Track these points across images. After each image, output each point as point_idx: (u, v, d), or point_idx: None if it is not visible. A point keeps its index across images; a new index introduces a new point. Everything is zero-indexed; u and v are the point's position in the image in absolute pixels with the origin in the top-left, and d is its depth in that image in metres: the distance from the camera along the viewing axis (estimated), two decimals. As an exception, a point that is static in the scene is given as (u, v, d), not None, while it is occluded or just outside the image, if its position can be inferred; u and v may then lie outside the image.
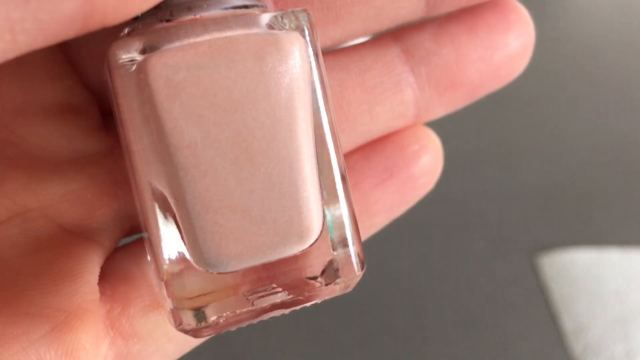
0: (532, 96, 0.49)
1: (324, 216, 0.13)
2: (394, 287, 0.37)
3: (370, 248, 0.42)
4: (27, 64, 0.14)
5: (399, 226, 0.43)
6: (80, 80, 0.15)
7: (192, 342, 0.15)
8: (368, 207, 0.16)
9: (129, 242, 0.15)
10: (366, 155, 0.16)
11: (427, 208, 0.41)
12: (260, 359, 0.33)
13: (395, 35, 0.16)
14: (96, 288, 0.14)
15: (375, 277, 0.37)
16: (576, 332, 0.34)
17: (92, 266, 0.14)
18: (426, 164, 0.17)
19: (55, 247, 0.14)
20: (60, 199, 0.14)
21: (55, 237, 0.14)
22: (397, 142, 0.16)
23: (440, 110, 0.17)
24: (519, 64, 0.17)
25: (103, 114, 0.15)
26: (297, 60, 0.12)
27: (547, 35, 0.55)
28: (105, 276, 0.15)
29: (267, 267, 0.13)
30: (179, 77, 0.11)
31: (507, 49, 0.16)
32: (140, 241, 0.15)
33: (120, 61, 0.12)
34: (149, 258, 0.14)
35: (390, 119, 0.16)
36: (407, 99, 0.16)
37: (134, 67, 0.12)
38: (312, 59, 0.13)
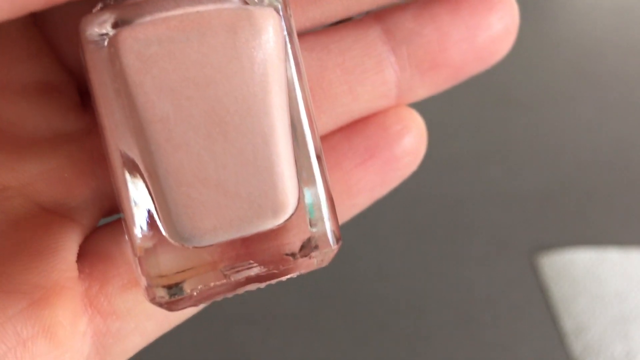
0: (532, 96, 0.49)
1: (302, 194, 0.13)
2: (394, 287, 0.37)
3: (370, 248, 0.42)
4: (3, 42, 0.14)
5: (398, 226, 0.43)
6: (58, 59, 0.15)
7: (172, 321, 0.15)
8: (349, 187, 0.16)
9: (109, 222, 0.15)
10: (347, 135, 0.16)
11: (427, 208, 0.41)
12: (258, 358, 0.33)
13: (377, 15, 0.16)
14: (74, 266, 0.14)
15: (376, 277, 0.37)
16: (576, 332, 0.34)
17: (70, 244, 0.14)
18: (409, 144, 0.16)
19: (33, 225, 0.14)
20: (38, 177, 0.14)
21: (33, 215, 0.14)
22: (379, 122, 0.16)
23: (423, 92, 0.16)
24: (503, 46, 0.16)
25: (81, 93, 0.15)
26: (271, 35, 0.12)
27: (547, 35, 0.55)
28: (84, 255, 0.15)
29: (246, 244, 0.13)
30: (150, 51, 0.11)
31: (490, 30, 0.16)
32: (119, 221, 0.15)
33: (91, 36, 0.12)
34: (126, 237, 0.14)
35: (372, 99, 0.16)
36: (389, 79, 0.16)
37: (105, 42, 0.12)
38: (286, 36, 0.13)
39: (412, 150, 0.16)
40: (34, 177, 0.14)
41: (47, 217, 0.14)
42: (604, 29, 0.56)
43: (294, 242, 0.13)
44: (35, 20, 0.14)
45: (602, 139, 0.46)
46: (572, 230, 0.40)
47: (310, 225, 0.13)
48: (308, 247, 0.13)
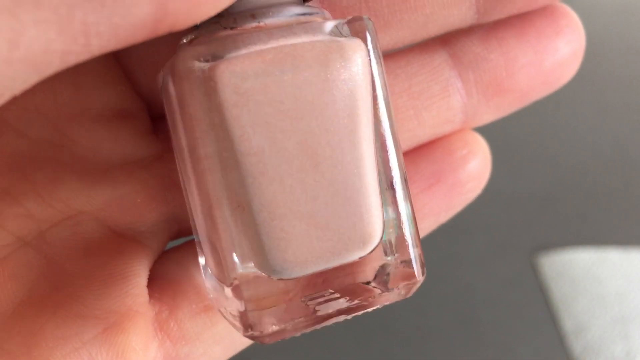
0: (532, 96, 0.49)
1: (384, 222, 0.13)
2: (394, 287, 0.37)
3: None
4: (82, 70, 0.14)
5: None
6: (132, 86, 0.15)
7: (238, 346, 0.16)
8: (415, 212, 0.16)
9: (175, 245, 0.16)
10: (413, 160, 0.16)
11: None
12: (260, 359, 0.33)
13: (443, 40, 0.16)
14: (145, 291, 0.14)
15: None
16: (576, 332, 0.34)
17: (141, 269, 0.14)
18: (474, 168, 0.16)
19: (105, 249, 0.14)
20: (111, 202, 0.14)
21: (106, 239, 0.14)
22: (445, 146, 0.16)
23: (488, 116, 0.16)
24: (569, 70, 0.16)
25: (152, 120, 0.15)
26: (360, 67, 0.12)
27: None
28: (153, 279, 0.15)
29: (321, 272, 0.13)
30: (247, 85, 0.11)
31: (557, 54, 0.16)
32: (186, 245, 0.15)
33: (188, 68, 0.12)
34: (202, 261, 0.14)
35: (437, 125, 0.16)
36: (455, 104, 0.16)
37: (200, 74, 0.11)
38: (375, 64, 0.13)
39: (477, 175, 0.17)
40: (108, 202, 0.14)
41: (119, 241, 0.14)
42: (604, 29, 0.56)
43: (368, 271, 0.13)
44: None
45: (602, 139, 0.46)
46: (572, 230, 0.40)
47: (385, 253, 0.13)
48: (382, 274, 0.13)
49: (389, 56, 0.16)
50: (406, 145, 0.16)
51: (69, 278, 0.14)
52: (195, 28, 0.12)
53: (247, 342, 0.16)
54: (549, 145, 0.46)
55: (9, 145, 0.14)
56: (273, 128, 0.12)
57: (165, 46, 0.14)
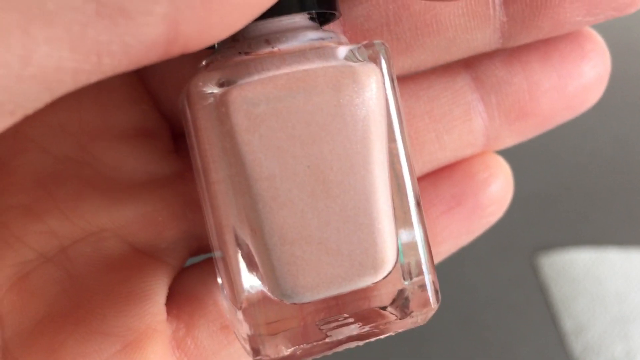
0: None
1: (399, 246, 0.13)
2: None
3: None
4: (106, 88, 0.14)
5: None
6: (154, 104, 0.15)
7: None
8: (435, 235, 0.16)
9: (194, 263, 0.16)
10: (434, 182, 0.16)
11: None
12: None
13: (466, 62, 0.16)
14: (164, 309, 0.14)
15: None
16: (576, 332, 0.34)
17: (161, 287, 0.14)
18: (495, 192, 0.16)
19: (126, 266, 0.14)
20: (133, 220, 0.14)
21: (127, 256, 0.14)
22: (466, 169, 0.16)
23: (510, 140, 0.16)
24: (594, 94, 0.16)
25: (174, 138, 0.15)
26: (373, 92, 0.12)
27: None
28: (171, 296, 0.15)
29: (336, 295, 0.13)
30: (258, 110, 0.11)
31: (581, 78, 0.16)
32: (204, 262, 0.15)
33: (202, 94, 0.12)
34: (219, 280, 0.14)
35: (459, 148, 0.16)
36: (476, 127, 0.16)
37: (213, 100, 0.12)
38: (389, 88, 0.13)
39: (498, 198, 0.16)
40: (129, 219, 0.14)
41: (140, 258, 0.14)
42: (604, 29, 0.56)
43: (384, 295, 0.13)
44: None
45: (602, 140, 0.46)
46: (572, 230, 0.40)
47: (403, 278, 0.13)
48: (400, 299, 0.13)
49: (411, 78, 0.16)
50: (427, 167, 0.16)
51: (90, 294, 0.14)
52: (213, 51, 0.12)
53: None
54: (549, 145, 0.46)
55: (32, 162, 0.14)
56: (284, 153, 0.12)
57: (188, 66, 0.14)
